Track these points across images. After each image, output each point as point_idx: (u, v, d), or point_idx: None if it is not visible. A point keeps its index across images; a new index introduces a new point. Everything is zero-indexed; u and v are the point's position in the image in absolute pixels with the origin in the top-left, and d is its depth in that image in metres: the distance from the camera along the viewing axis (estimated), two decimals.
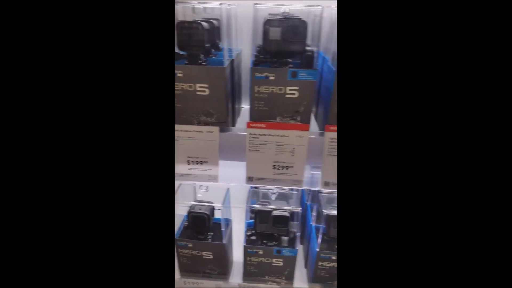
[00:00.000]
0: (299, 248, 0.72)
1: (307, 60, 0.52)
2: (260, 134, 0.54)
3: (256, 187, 0.71)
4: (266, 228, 0.63)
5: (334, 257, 0.63)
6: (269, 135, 0.54)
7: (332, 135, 0.54)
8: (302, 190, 0.77)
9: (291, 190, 0.69)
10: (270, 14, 0.53)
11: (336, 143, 0.54)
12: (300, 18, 0.51)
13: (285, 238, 0.64)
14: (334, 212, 0.62)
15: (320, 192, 0.67)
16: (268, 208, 0.63)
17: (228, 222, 0.68)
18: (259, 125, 0.54)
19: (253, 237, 0.65)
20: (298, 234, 0.65)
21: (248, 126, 0.54)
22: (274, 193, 0.70)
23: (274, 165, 0.57)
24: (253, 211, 0.63)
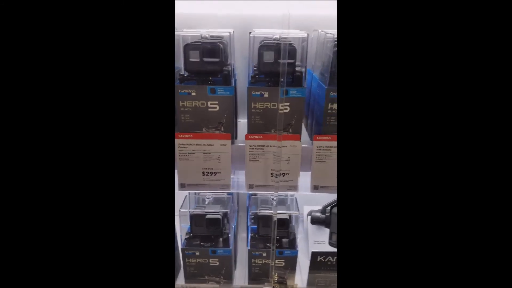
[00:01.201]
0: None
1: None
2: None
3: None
4: (201, 231, 0.69)
5: (265, 255, 0.69)
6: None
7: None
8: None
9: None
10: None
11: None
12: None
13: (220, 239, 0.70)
14: (263, 212, 0.69)
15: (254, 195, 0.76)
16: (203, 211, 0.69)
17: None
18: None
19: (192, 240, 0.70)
20: (231, 235, 0.71)
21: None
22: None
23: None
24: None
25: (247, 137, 0.61)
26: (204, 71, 0.60)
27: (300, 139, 0.62)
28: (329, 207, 0.70)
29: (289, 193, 0.77)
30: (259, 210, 0.71)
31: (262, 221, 0.69)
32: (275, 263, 0.69)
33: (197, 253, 0.69)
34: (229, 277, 0.72)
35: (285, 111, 0.60)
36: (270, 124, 0.61)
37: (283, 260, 0.69)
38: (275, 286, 0.70)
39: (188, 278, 0.72)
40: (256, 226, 0.71)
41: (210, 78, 0.62)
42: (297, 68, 0.60)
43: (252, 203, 0.76)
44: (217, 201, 0.75)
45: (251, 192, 0.78)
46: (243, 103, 0.63)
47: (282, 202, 0.76)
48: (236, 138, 0.66)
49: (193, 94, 0.60)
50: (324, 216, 0.70)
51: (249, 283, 0.73)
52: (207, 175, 0.63)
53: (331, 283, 0.72)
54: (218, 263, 0.70)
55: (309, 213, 0.71)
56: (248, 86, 0.60)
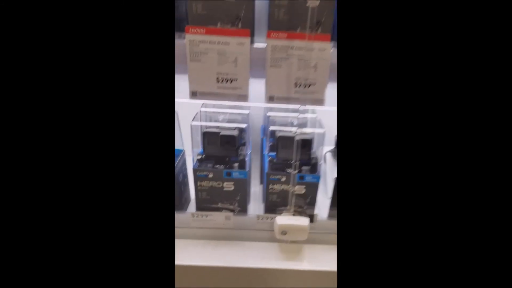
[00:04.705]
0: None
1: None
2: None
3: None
4: (215, 151, 0.61)
5: (284, 179, 0.62)
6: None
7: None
8: None
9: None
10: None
11: None
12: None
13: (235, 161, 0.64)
14: (283, 133, 0.61)
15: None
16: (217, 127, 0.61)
17: None
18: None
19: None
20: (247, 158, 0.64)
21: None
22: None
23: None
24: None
25: (268, 35, 0.52)
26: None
27: (330, 40, 0.53)
28: None
29: (309, 116, 0.69)
30: (279, 129, 0.63)
31: (282, 142, 0.61)
32: (295, 189, 0.62)
33: (210, 175, 0.62)
34: (244, 205, 0.66)
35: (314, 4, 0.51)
36: (297, 19, 0.53)
37: (304, 186, 0.62)
38: (295, 212, 0.63)
39: (200, 205, 0.65)
40: (273, 150, 0.64)
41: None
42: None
43: (269, 124, 0.68)
44: (232, 121, 0.68)
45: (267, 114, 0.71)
46: None
47: (302, 125, 0.68)
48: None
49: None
50: None
51: (266, 211, 0.66)
52: (221, 82, 0.55)
53: None
54: (233, 188, 0.63)
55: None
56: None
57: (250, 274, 0.60)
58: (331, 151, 0.81)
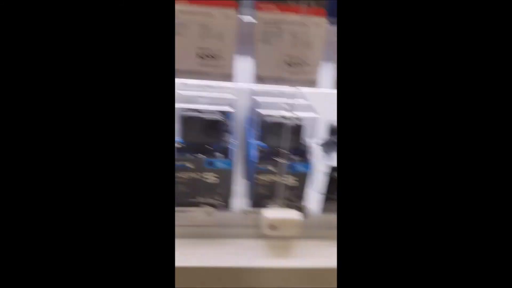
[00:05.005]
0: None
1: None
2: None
3: None
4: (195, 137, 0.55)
5: (273, 169, 0.57)
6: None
7: None
8: None
9: None
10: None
11: None
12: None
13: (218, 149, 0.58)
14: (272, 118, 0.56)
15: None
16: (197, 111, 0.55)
17: None
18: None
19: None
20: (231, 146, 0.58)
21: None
22: None
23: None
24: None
25: (257, 6, 0.47)
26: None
27: (325, 15, 0.48)
28: None
29: (301, 101, 0.64)
30: (267, 114, 0.58)
31: (271, 128, 0.56)
32: (284, 180, 0.57)
33: (190, 166, 0.55)
34: (227, 200, 0.59)
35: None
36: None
37: (294, 177, 0.57)
38: (284, 206, 0.58)
39: (177, 200, 0.58)
40: (260, 139, 0.59)
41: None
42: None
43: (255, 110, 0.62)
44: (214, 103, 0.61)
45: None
46: None
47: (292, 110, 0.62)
48: None
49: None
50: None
51: (252, 207, 0.61)
52: (204, 58, 0.49)
53: None
54: (215, 180, 0.57)
55: (329, 125, 0.59)
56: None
57: (236, 274, 0.54)
58: (320, 143, 0.77)
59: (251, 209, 0.60)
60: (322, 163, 0.74)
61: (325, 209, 0.61)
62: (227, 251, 0.56)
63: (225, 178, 0.56)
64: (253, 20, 0.48)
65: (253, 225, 0.60)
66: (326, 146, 0.73)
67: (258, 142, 0.59)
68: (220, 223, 0.60)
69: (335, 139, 0.65)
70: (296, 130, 0.55)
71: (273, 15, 0.48)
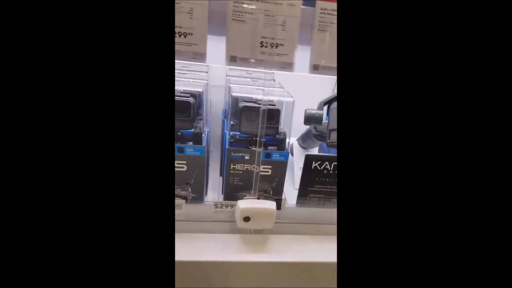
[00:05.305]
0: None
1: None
2: None
3: None
4: None
5: (248, 157, 0.54)
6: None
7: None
8: None
9: None
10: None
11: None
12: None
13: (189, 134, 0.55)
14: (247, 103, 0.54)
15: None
16: None
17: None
18: None
19: None
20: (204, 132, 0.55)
21: None
22: None
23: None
24: None
25: None
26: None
27: None
28: (327, 104, 0.57)
29: (276, 89, 0.62)
30: (241, 97, 0.55)
31: (246, 113, 0.53)
32: (260, 169, 0.54)
33: None
34: (200, 191, 0.55)
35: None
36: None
37: (269, 167, 0.55)
38: (260, 196, 0.55)
39: None
40: (235, 129, 0.56)
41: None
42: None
43: (230, 97, 0.60)
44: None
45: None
46: None
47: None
48: None
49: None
50: (321, 112, 0.56)
51: (225, 198, 0.57)
52: (176, 36, 0.47)
53: (325, 202, 0.59)
54: (185, 168, 0.53)
55: (305, 112, 0.57)
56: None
57: (208, 268, 0.50)
58: (298, 139, 0.75)
59: (224, 201, 0.56)
60: (298, 161, 0.72)
61: (300, 202, 0.58)
62: (198, 246, 0.52)
63: (197, 166, 0.53)
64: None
65: (227, 220, 0.56)
66: (304, 138, 0.71)
67: (234, 132, 0.57)
68: (190, 218, 0.56)
69: (313, 130, 0.63)
70: (273, 114, 0.53)
71: None
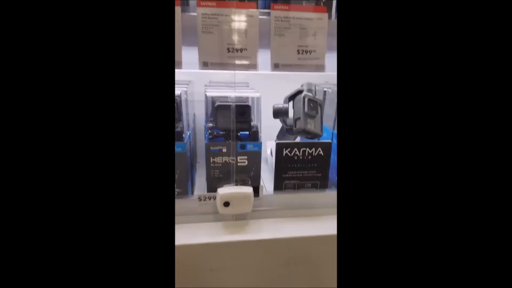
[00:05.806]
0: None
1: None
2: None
3: None
4: None
5: (225, 150, 0.60)
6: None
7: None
8: None
9: None
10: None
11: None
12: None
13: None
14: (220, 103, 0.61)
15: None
16: None
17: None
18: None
19: None
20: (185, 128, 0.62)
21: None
22: None
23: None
24: None
25: (198, 4, 0.55)
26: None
27: (257, 7, 0.57)
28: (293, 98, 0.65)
29: (248, 89, 0.70)
30: (217, 97, 0.63)
31: (220, 111, 0.61)
32: (237, 160, 0.61)
33: None
34: (184, 186, 0.61)
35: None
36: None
37: (245, 158, 0.61)
38: (238, 184, 0.60)
39: None
40: (213, 122, 0.63)
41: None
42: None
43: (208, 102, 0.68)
44: None
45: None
46: None
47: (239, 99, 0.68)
48: None
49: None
50: (287, 105, 0.64)
51: (208, 191, 0.62)
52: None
53: (300, 187, 0.64)
54: None
55: (272, 107, 0.64)
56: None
57: (194, 251, 0.54)
58: (276, 139, 0.82)
59: (207, 194, 0.61)
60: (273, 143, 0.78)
61: (277, 188, 0.64)
62: (184, 233, 0.57)
63: (179, 162, 0.59)
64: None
65: (210, 212, 0.61)
66: (279, 136, 0.77)
67: (211, 127, 0.64)
68: (178, 212, 0.61)
69: (284, 125, 0.70)
70: (244, 110, 0.61)
71: (212, 9, 0.56)
